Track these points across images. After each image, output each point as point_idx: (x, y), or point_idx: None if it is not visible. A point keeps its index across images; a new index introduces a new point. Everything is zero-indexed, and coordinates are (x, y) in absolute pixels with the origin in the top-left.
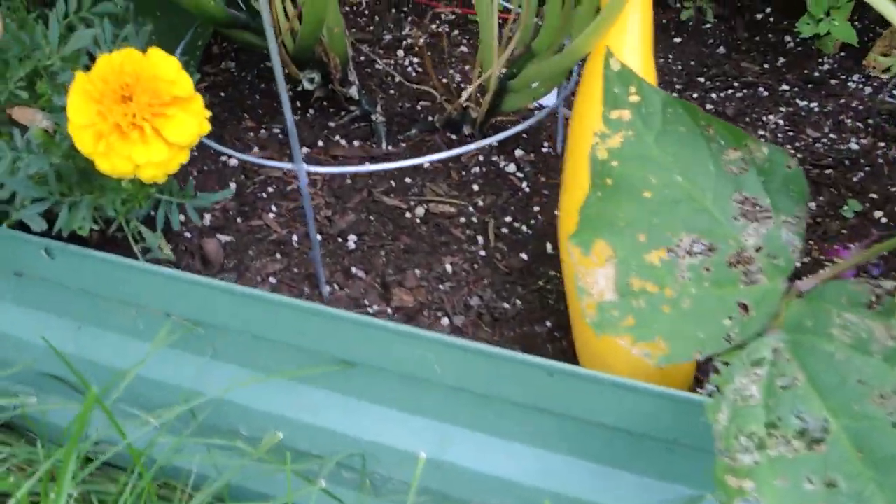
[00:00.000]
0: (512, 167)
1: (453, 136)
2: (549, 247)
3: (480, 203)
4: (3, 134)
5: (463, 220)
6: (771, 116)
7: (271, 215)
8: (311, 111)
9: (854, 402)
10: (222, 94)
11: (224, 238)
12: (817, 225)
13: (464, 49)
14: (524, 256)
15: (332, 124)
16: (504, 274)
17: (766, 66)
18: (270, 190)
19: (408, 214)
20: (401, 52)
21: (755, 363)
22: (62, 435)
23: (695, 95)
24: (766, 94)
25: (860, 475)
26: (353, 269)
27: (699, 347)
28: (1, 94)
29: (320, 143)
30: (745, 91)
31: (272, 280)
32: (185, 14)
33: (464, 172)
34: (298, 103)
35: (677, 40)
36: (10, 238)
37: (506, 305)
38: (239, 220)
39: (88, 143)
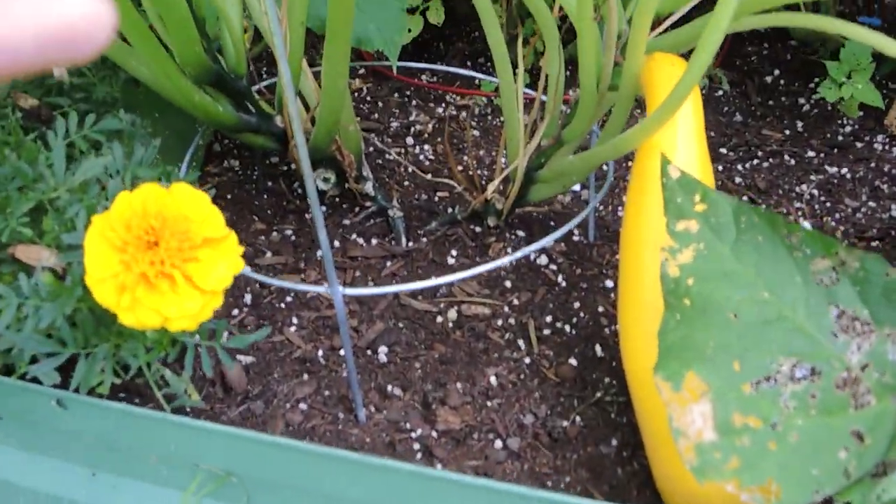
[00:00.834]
0: (544, 259)
1: (477, 229)
2: (598, 349)
3: (515, 302)
4: (5, 275)
5: (500, 322)
6: (804, 186)
7: (293, 328)
8: (324, 208)
9: None
10: (228, 196)
11: (245, 359)
12: None
13: (475, 133)
14: (573, 362)
15: (347, 222)
16: (555, 384)
17: (787, 131)
18: (289, 299)
19: (439, 319)
20: (410, 140)
21: None
22: None
23: (720, 168)
24: (793, 162)
25: None
26: (389, 387)
27: (816, 487)
28: (2, 231)
29: (336, 244)
30: (770, 160)
31: (302, 406)
32: (188, 115)
33: (493, 268)
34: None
35: None
36: (18, 389)
37: (564, 423)
38: (269, 330)
39: (111, 297)
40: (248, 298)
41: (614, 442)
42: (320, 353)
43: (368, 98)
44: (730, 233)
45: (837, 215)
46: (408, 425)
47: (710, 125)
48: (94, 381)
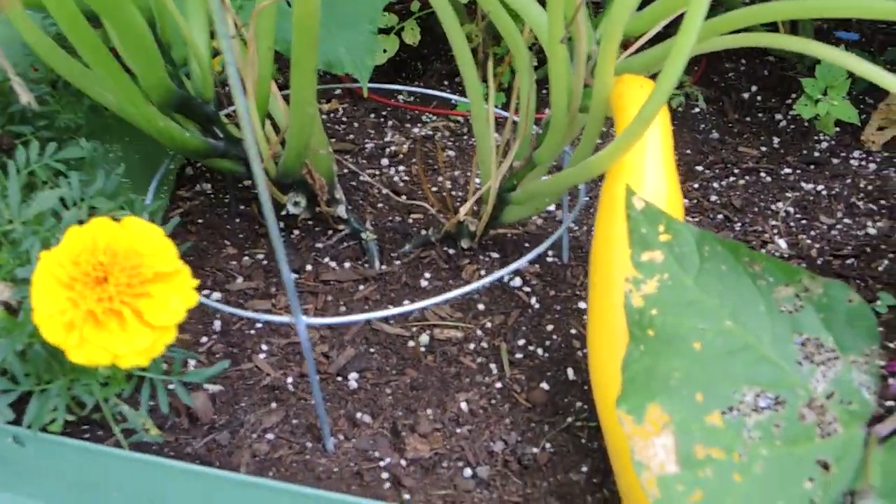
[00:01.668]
0: (518, 281)
1: (451, 251)
2: (570, 373)
3: (488, 325)
4: None
5: (472, 346)
6: (780, 204)
7: (262, 356)
8: (296, 232)
9: None
10: (200, 221)
11: (212, 388)
12: None
13: (451, 153)
14: (545, 386)
15: (319, 245)
16: (526, 410)
17: (763, 148)
18: (259, 325)
19: (411, 343)
20: (385, 161)
21: None
22: None
23: (696, 186)
24: (769, 179)
25: None
26: (359, 414)
27: None
28: None
29: (308, 268)
30: (747, 178)
31: (269, 436)
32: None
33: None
34: (282, 224)
35: None
36: None
37: (534, 450)
38: (227, 364)
39: (59, 335)
40: (217, 325)
41: (584, 468)
42: (290, 380)
43: (344, 119)
44: (693, 262)
45: (813, 233)
46: (377, 454)
47: (686, 143)
48: (46, 418)
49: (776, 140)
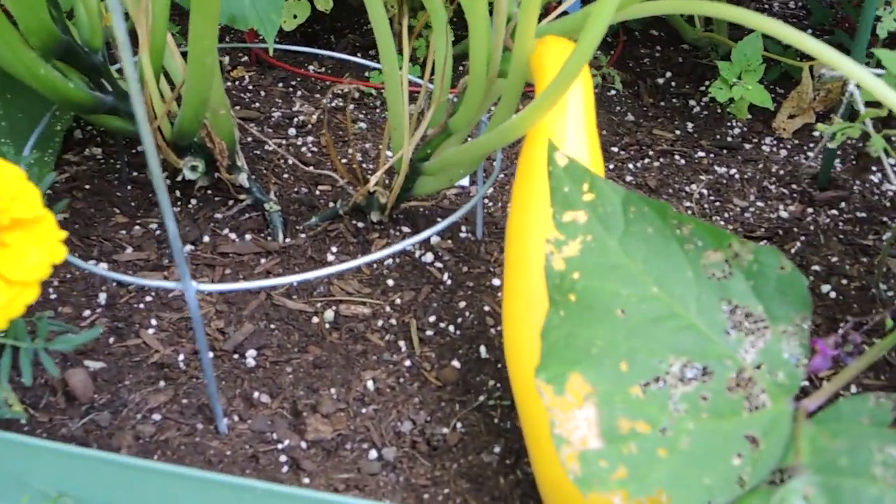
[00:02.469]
0: (429, 257)
1: (360, 224)
2: (483, 350)
3: (398, 301)
4: None
5: (380, 322)
6: (693, 186)
7: (151, 331)
8: (194, 201)
9: None
10: (87, 187)
11: (93, 365)
12: None
13: (362, 125)
14: (456, 364)
15: (218, 216)
16: (436, 389)
17: (677, 132)
18: (149, 299)
19: (315, 319)
20: (292, 131)
21: None
22: None
23: (611, 167)
24: (683, 161)
25: None
26: (256, 394)
27: (708, 496)
28: None
29: (206, 239)
30: (661, 160)
31: (156, 416)
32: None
33: (375, 266)
34: (178, 193)
35: None
36: None
37: (444, 430)
38: (112, 339)
39: None
40: (102, 298)
41: (497, 449)
42: (181, 357)
43: (250, 87)
44: (618, 224)
45: (726, 214)
46: (274, 435)
47: (602, 124)
48: None
49: (690, 125)
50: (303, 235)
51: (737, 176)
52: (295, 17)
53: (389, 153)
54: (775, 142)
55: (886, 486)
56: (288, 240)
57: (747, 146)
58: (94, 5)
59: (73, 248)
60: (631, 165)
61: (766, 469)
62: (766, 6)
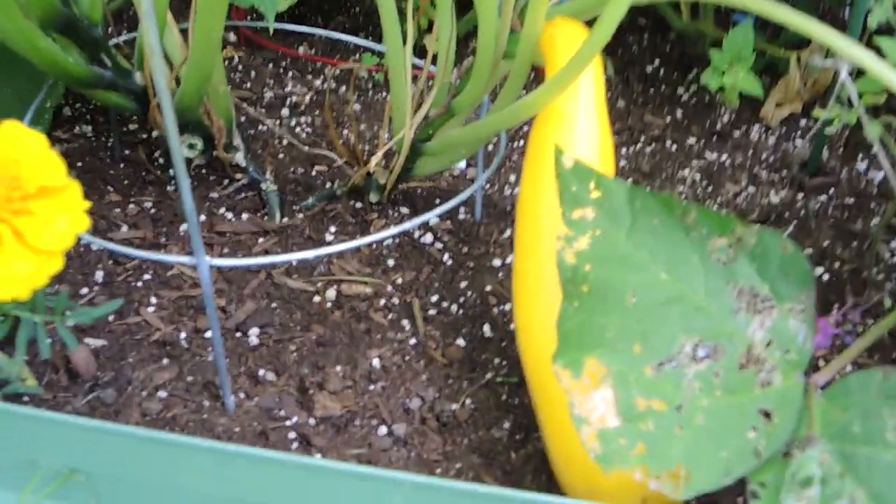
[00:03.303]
0: (429, 237)
1: (358, 205)
2: (486, 329)
3: (399, 281)
4: None
5: (382, 301)
6: (686, 171)
7: (151, 309)
8: (190, 180)
9: None
10: (79, 165)
11: (95, 342)
12: None
13: (356, 107)
14: (461, 343)
15: (215, 195)
16: (443, 366)
17: (668, 118)
18: (147, 277)
19: (317, 298)
20: (286, 112)
21: (804, 483)
22: None
23: None
24: (674, 148)
25: None
26: (261, 372)
27: (726, 469)
28: None
29: (203, 218)
30: (653, 145)
31: (161, 394)
32: (32, 72)
33: (375, 246)
34: (172, 172)
35: None
36: None
37: (454, 406)
38: (112, 317)
39: None
40: (99, 276)
41: (506, 425)
42: (182, 335)
43: (240, 67)
44: (625, 217)
45: (719, 199)
46: (282, 412)
47: None
48: None
49: (679, 112)
50: (300, 215)
51: (727, 162)
52: None
53: (388, 133)
54: (763, 129)
55: None
56: (285, 219)
57: (736, 133)
58: None
59: None
60: (624, 150)
61: (781, 441)
62: None
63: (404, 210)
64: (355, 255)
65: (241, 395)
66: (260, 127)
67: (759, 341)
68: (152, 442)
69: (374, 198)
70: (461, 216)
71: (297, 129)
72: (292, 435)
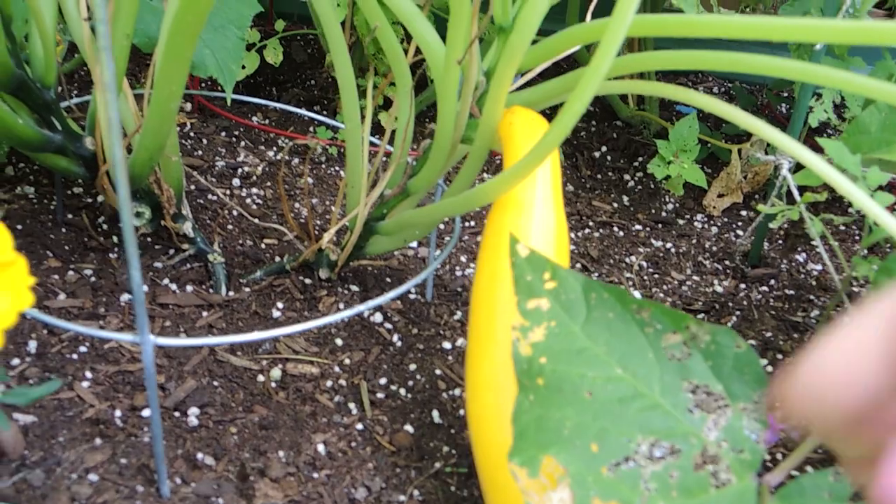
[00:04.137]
0: (378, 317)
1: (307, 281)
2: (435, 415)
3: (347, 361)
4: None
5: (329, 383)
6: (633, 258)
7: (86, 384)
8: None
9: None
10: (19, 227)
11: (24, 418)
12: None
13: (309, 180)
14: (409, 429)
15: (159, 265)
16: (390, 454)
17: (615, 204)
18: (83, 349)
19: (261, 378)
20: (237, 182)
21: None
22: None
23: None
24: (621, 233)
25: None
26: (200, 455)
27: None
28: None
29: (145, 288)
30: (601, 230)
31: (92, 477)
32: None
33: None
34: (115, 238)
35: None
36: None
37: (401, 498)
38: (59, 383)
39: None
40: (32, 346)
41: None
42: (118, 413)
43: (192, 134)
44: (580, 310)
45: (665, 287)
46: (220, 501)
47: None
48: None
49: (626, 198)
50: (247, 289)
51: (672, 250)
52: (244, 67)
53: (341, 210)
54: (706, 219)
55: None
56: (231, 293)
57: (681, 221)
58: (50, 39)
59: None
60: (573, 235)
61: None
62: (693, 89)
63: (354, 288)
64: (303, 332)
65: (178, 481)
66: (210, 196)
67: (714, 440)
68: None
69: (324, 274)
70: (412, 296)
71: (248, 201)
72: None
